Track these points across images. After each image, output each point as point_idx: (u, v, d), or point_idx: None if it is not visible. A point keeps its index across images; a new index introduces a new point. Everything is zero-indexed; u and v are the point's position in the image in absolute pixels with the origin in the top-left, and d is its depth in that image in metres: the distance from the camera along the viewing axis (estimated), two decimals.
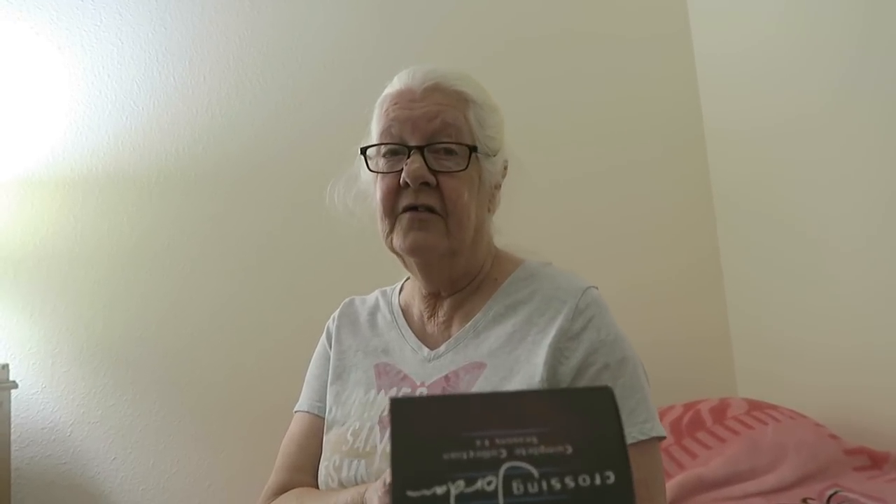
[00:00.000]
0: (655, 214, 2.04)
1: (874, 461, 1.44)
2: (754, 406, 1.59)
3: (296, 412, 1.01)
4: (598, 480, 0.39)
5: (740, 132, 1.99)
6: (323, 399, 0.98)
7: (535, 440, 0.40)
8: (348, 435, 0.88)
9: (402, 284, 1.05)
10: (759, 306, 1.94)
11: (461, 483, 0.38)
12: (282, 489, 0.93)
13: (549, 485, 0.38)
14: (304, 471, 0.93)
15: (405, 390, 0.89)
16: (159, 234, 1.74)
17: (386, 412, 0.88)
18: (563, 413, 0.42)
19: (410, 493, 0.38)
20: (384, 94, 0.93)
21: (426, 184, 0.86)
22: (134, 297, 1.70)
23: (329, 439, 0.92)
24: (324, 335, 1.06)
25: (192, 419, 1.68)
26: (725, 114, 2.07)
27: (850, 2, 1.62)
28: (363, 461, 0.84)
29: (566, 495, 0.38)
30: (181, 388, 1.69)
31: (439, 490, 0.38)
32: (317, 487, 0.91)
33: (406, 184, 0.86)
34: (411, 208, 0.87)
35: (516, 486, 0.38)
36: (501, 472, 0.39)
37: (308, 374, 1.05)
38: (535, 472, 0.39)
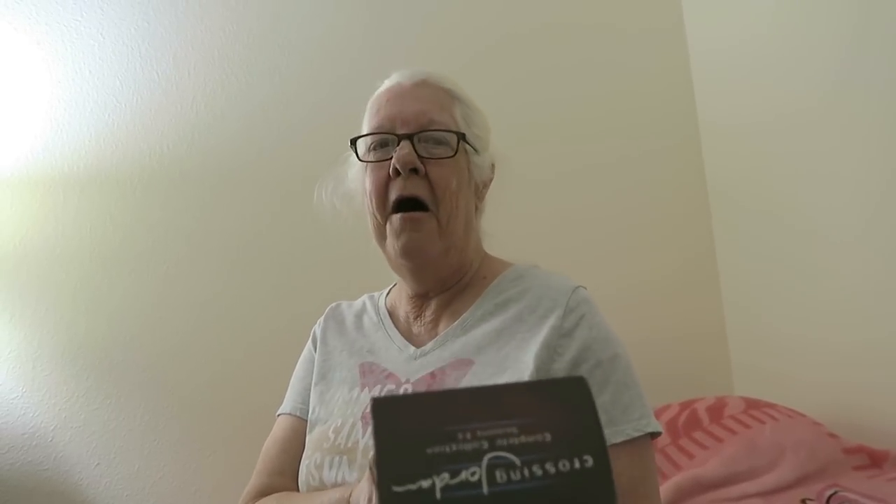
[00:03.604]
0: (649, 210, 2.01)
1: (874, 460, 1.41)
2: (752, 405, 1.56)
3: (278, 415, 1.01)
4: (577, 464, 0.40)
5: (735, 126, 1.96)
6: (306, 401, 0.98)
7: (515, 430, 0.41)
8: (330, 432, 0.87)
9: (390, 288, 1.06)
10: (756, 302, 1.92)
11: (446, 475, 0.39)
12: (260, 493, 0.91)
13: (530, 471, 0.40)
14: (285, 474, 0.92)
15: (389, 387, 0.88)
16: (143, 234, 1.71)
17: (369, 409, 0.85)
18: (540, 403, 0.43)
19: (396, 489, 0.39)
20: (376, 93, 0.95)
21: (415, 171, 0.86)
22: (117, 298, 1.67)
23: (311, 438, 0.91)
24: (310, 340, 1.06)
25: (178, 422, 1.65)
26: (720, 108, 2.03)
27: None
28: (345, 458, 0.83)
29: (548, 480, 0.40)
30: (166, 390, 1.65)
31: (424, 484, 0.39)
32: (297, 491, 0.89)
33: (396, 172, 0.86)
34: (401, 201, 0.87)
35: (500, 475, 0.40)
36: (484, 462, 0.40)
37: (293, 377, 1.05)
38: (516, 460, 0.40)
